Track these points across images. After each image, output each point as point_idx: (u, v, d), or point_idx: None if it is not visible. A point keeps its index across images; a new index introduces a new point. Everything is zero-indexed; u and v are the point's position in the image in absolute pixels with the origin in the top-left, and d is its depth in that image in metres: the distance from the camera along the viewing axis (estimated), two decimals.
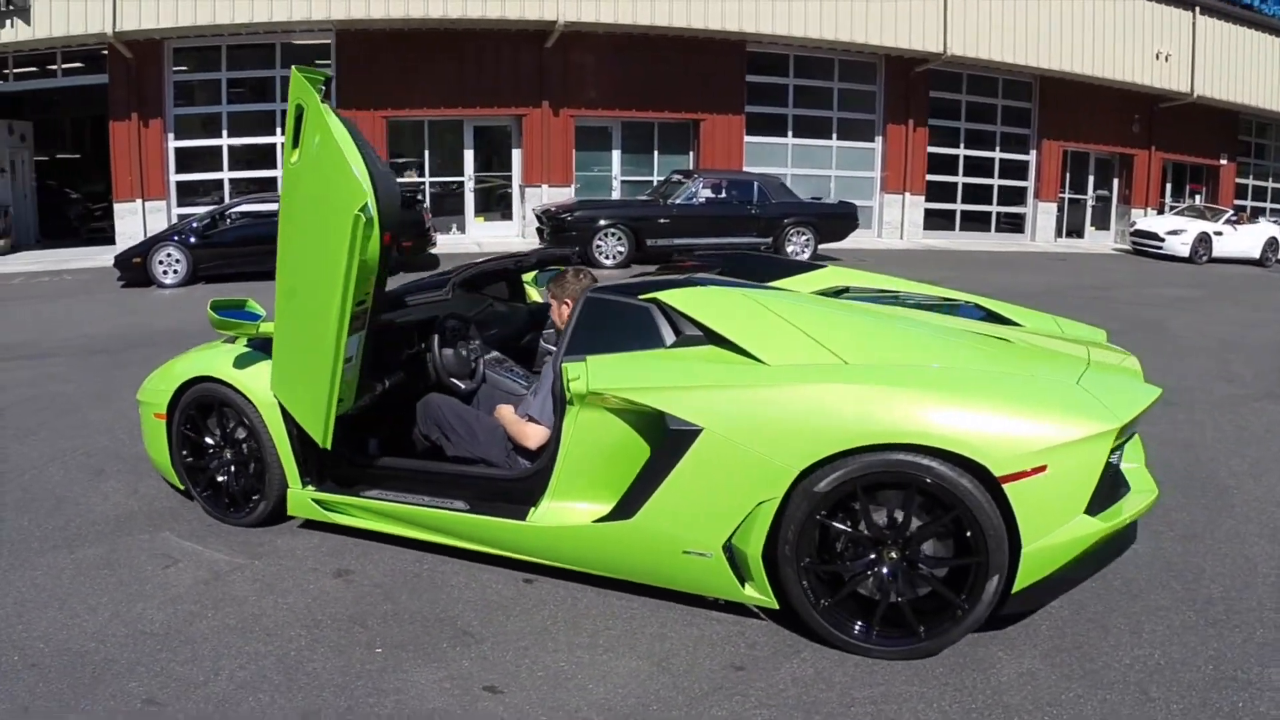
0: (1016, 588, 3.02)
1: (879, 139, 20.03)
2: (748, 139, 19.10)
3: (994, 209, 21.64)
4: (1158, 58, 20.54)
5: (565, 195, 17.92)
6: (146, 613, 3.52)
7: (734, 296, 3.53)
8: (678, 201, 15.01)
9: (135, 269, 12.57)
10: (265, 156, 17.70)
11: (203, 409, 4.28)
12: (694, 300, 3.46)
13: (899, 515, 3.10)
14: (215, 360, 4.26)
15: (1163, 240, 19.22)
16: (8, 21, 15.12)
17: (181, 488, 4.49)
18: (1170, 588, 3.71)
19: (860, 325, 3.51)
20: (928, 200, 20.45)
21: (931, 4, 18.48)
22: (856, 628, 3.16)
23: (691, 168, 18.23)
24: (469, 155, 18.77)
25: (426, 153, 18.57)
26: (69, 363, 8.06)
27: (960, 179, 21.06)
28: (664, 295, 3.48)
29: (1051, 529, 2.96)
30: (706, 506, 3.20)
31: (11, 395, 6.83)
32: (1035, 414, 3.02)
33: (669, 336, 3.44)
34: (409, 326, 4.36)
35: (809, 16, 17.89)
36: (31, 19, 15.27)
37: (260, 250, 12.80)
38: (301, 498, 4.04)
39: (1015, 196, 21.75)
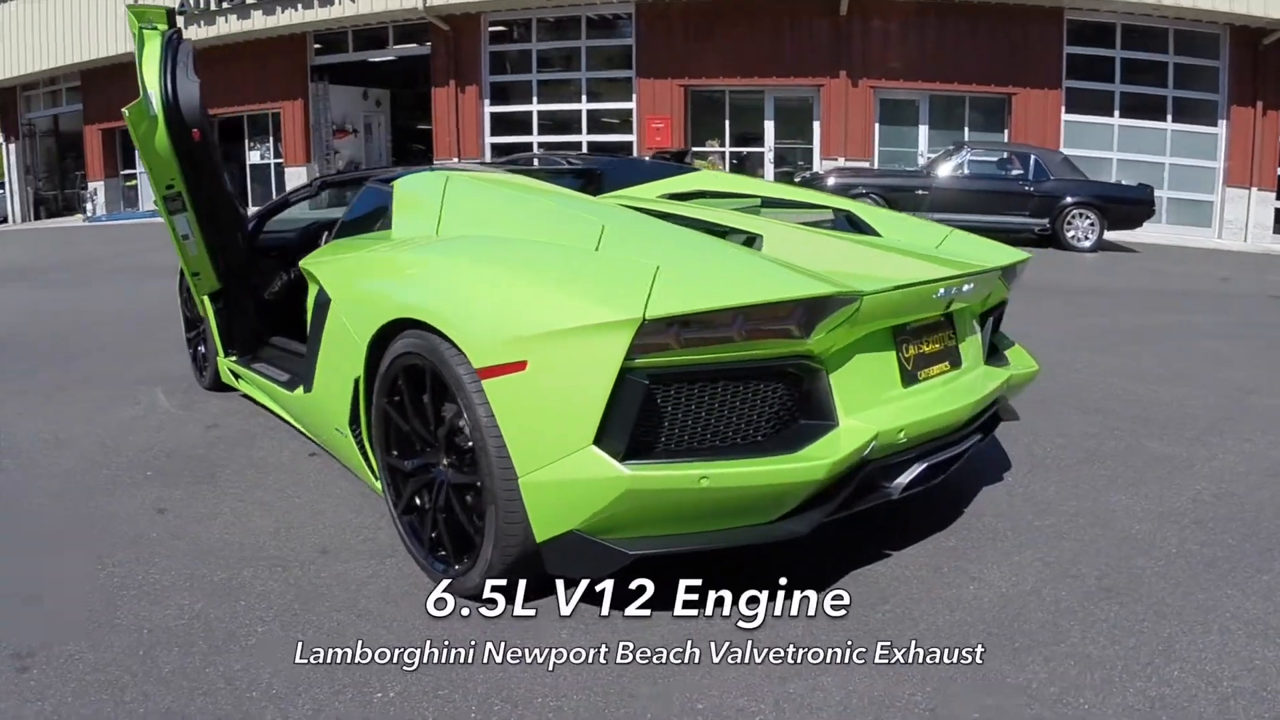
0: (540, 537, 2.36)
1: (1222, 123, 17.24)
2: (1066, 117, 17.36)
3: None
4: None
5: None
6: (79, 430, 4.44)
7: (430, 178, 3.38)
8: (941, 173, 14.10)
9: None
10: (570, 124, 19.13)
11: (188, 291, 5.16)
12: (404, 183, 3.44)
13: (445, 412, 2.63)
14: None
15: None
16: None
17: None
18: (929, 619, 2.56)
19: (501, 204, 3.09)
20: None
21: None
22: (418, 541, 2.78)
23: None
24: (769, 126, 18.89)
25: (727, 123, 18.98)
26: None
27: None
28: (398, 181, 3.50)
29: (548, 458, 2.28)
30: (335, 380, 3.16)
31: None
32: (541, 293, 2.45)
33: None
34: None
35: None
36: None
37: None
38: (223, 365, 4.75)
39: None
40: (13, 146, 25.71)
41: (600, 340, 2.21)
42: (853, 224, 3.68)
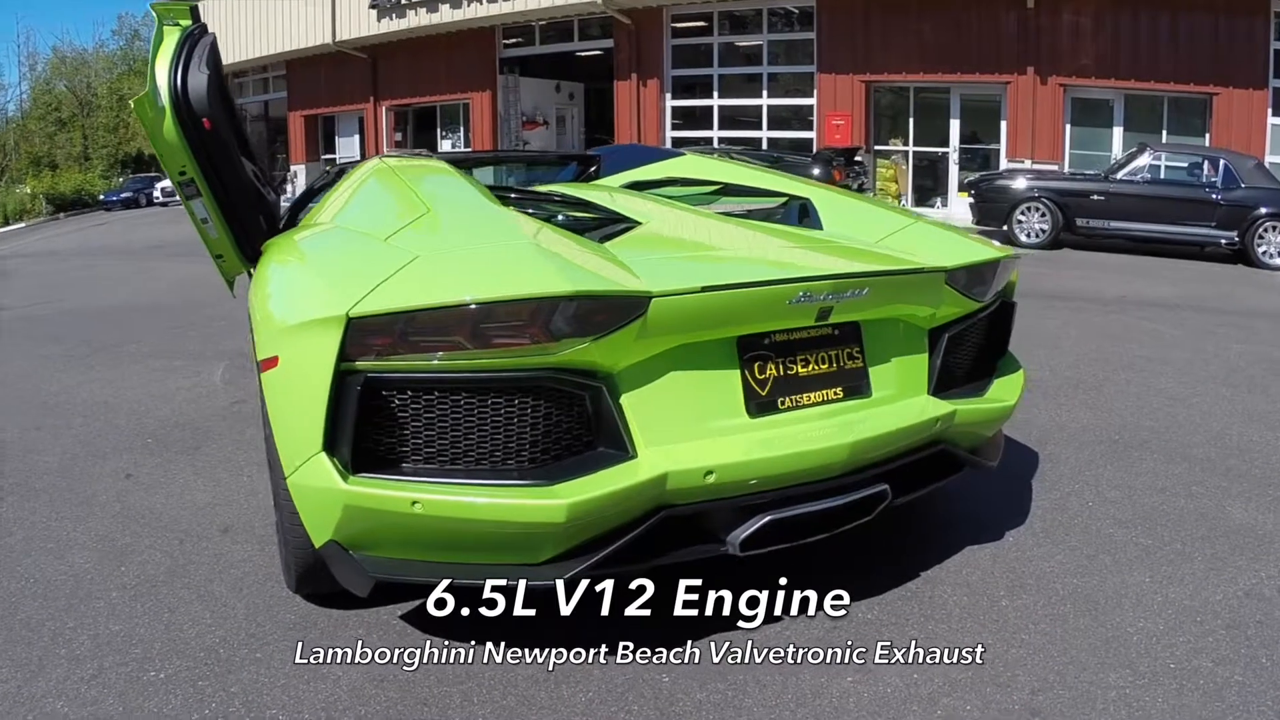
0: (315, 543, 2.21)
1: None
2: (1273, 120, 15.68)
3: None
4: None
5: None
6: (127, 398, 4.97)
7: (363, 166, 3.46)
8: (1119, 177, 12.98)
9: None
10: (751, 117, 19.06)
11: None
12: (362, 167, 3.59)
13: None
14: None
15: None
16: None
17: None
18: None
19: (370, 192, 3.10)
20: None
21: None
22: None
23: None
24: (954, 125, 18.11)
25: (910, 121, 18.33)
26: None
27: None
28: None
29: (298, 460, 2.13)
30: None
31: None
32: (299, 285, 2.46)
33: None
34: None
35: None
36: None
37: None
38: None
39: None
40: None
41: (318, 338, 2.05)
42: (806, 213, 3.37)
